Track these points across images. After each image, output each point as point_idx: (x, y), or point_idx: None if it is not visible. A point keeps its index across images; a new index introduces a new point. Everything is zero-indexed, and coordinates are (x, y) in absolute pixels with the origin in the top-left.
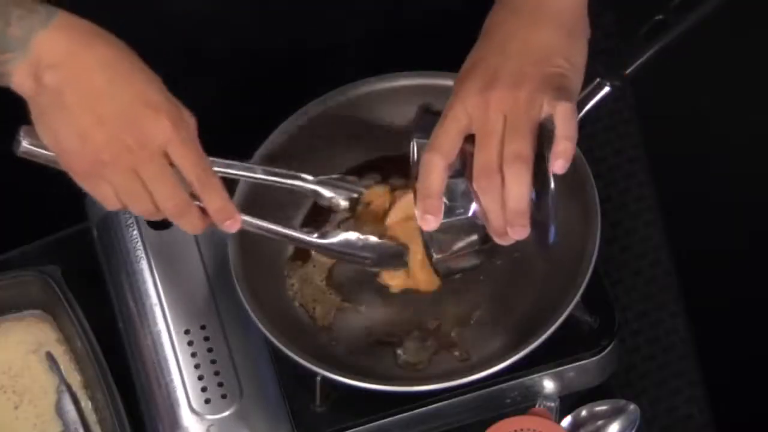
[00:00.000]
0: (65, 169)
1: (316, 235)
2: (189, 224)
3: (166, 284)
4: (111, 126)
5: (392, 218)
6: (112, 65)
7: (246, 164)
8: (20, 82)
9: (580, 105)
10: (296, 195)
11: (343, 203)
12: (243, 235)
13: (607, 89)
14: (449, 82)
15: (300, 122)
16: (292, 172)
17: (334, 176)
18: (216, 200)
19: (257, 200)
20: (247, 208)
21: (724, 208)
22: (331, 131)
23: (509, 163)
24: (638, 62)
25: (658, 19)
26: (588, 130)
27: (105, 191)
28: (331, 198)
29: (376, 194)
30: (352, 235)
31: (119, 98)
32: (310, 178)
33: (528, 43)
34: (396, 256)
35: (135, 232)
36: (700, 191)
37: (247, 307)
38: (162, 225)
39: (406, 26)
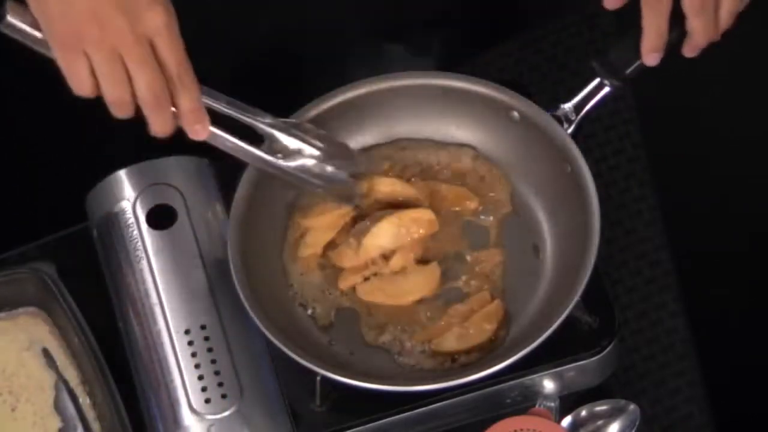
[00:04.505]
0: (47, 38)
1: (278, 155)
2: (161, 119)
3: (166, 284)
4: (104, 1)
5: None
6: None
7: (211, 90)
8: None
9: (580, 105)
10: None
11: (292, 146)
12: (243, 234)
13: (607, 89)
14: (450, 82)
15: (300, 121)
16: (253, 109)
17: (292, 121)
18: (192, 100)
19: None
20: (253, 198)
21: (724, 208)
22: (331, 129)
23: None
24: (638, 62)
25: None
26: (588, 130)
27: (81, 69)
28: (285, 145)
29: (384, 183)
30: (309, 161)
31: None
32: (268, 120)
33: None
34: (346, 192)
35: (135, 232)
36: (701, 191)
37: (247, 307)
38: (162, 225)
39: (406, 24)
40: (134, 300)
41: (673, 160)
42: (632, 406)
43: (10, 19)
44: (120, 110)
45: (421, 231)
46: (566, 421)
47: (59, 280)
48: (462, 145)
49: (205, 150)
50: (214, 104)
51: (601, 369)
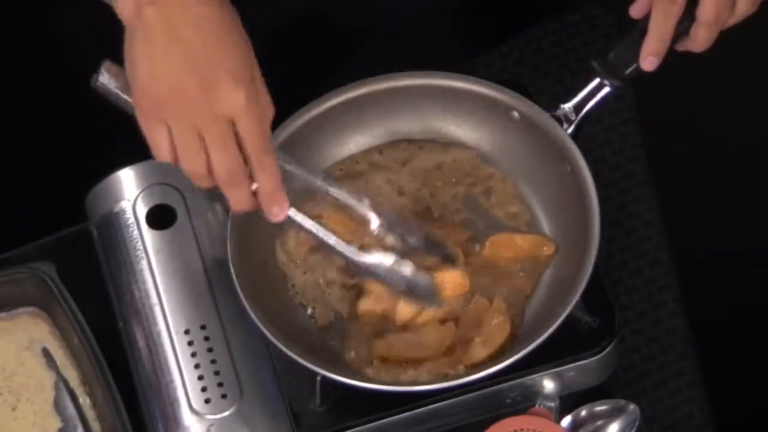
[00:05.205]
0: (134, 103)
1: (355, 247)
2: (237, 197)
3: (166, 284)
4: (186, 76)
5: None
6: (210, 22)
7: (308, 172)
8: (122, 8)
9: (580, 105)
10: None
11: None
12: (243, 234)
13: (607, 89)
14: (450, 82)
15: (300, 121)
16: (353, 198)
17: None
18: (270, 183)
19: None
20: None
21: (724, 208)
22: (332, 129)
23: None
24: (638, 62)
25: None
26: (588, 130)
27: (161, 137)
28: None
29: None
30: (388, 259)
31: (203, 56)
32: (378, 221)
33: None
34: (427, 294)
35: (135, 232)
36: (700, 191)
37: (247, 307)
38: (162, 225)
39: (406, 24)
40: (134, 300)
41: (673, 160)
42: (632, 406)
43: (102, 80)
44: (199, 182)
45: (451, 292)
46: (566, 421)
47: (59, 280)
48: (464, 147)
49: None
50: (310, 178)
51: (601, 369)
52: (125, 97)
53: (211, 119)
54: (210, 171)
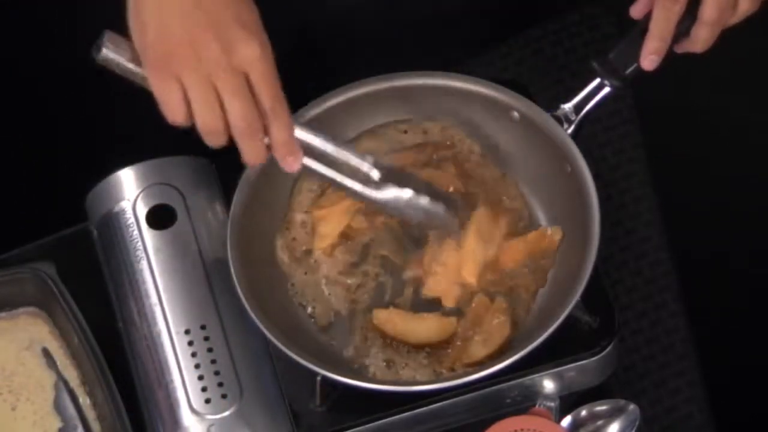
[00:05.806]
0: (143, 62)
1: (371, 186)
2: (252, 149)
3: (166, 284)
4: (199, 29)
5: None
6: None
7: (311, 127)
8: None
9: (581, 105)
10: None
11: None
12: (243, 234)
13: (607, 89)
14: (450, 82)
15: (301, 121)
16: (355, 157)
17: (390, 165)
18: (284, 132)
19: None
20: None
21: (724, 208)
22: (331, 129)
23: None
24: (638, 62)
25: None
26: (588, 130)
27: (174, 94)
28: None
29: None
30: (405, 193)
31: (215, 8)
32: (369, 161)
33: None
34: (446, 222)
35: (135, 232)
36: (700, 191)
37: (247, 307)
38: (162, 225)
39: (406, 24)
40: (134, 300)
41: (673, 160)
42: (632, 406)
43: (106, 51)
44: (213, 139)
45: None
46: (566, 421)
47: (59, 280)
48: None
49: (205, 150)
50: (312, 141)
51: (601, 369)
52: (130, 65)
53: (227, 71)
54: (225, 124)
